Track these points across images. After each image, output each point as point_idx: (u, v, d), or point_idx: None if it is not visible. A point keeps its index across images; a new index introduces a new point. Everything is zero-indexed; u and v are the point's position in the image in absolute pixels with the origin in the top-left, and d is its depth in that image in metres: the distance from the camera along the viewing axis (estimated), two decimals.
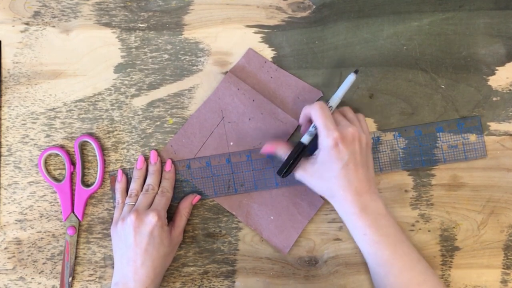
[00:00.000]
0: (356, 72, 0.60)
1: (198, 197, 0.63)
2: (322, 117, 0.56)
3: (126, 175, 0.63)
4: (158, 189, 0.61)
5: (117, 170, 0.63)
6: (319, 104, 0.57)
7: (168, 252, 0.59)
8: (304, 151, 0.58)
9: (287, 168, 0.58)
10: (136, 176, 0.62)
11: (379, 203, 0.57)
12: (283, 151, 0.59)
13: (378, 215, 0.56)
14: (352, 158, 0.55)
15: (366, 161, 0.57)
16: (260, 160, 0.63)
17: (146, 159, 0.63)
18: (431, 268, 0.58)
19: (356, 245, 0.63)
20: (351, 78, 0.60)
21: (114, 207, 0.63)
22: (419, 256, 0.57)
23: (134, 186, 0.62)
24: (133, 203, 0.60)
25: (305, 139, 0.58)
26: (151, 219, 0.57)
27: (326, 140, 0.55)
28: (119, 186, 0.62)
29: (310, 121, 0.60)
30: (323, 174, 0.57)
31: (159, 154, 0.63)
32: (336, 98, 0.60)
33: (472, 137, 0.64)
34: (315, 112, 0.57)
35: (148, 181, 0.62)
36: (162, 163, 0.63)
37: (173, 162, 0.63)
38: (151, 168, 0.62)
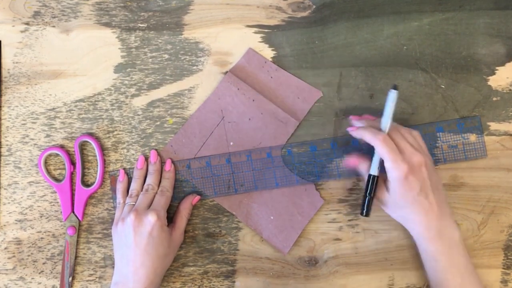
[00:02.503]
0: (395, 88, 0.57)
1: (198, 197, 0.63)
2: (387, 151, 0.55)
3: (127, 175, 0.63)
4: (158, 189, 0.61)
5: (118, 170, 0.63)
6: (382, 138, 0.56)
7: (168, 253, 0.59)
8: (377, 182, 0.58)
9: (368, 206, 0.58)
10: (137, 176, 0.62)
11: (454, 230, 0.57)
12: (364, 168, 0.59)
13: (451, 243, 0.56)
14: (423, 186, 0.55)
15: (436, 184, 0.57)
16: (260, 160, 0.63)
17: (147, 159, 0.63)
18: None
19: (356, 245, 0.63)
20: (393, 95, 0.57)
21: (114, 207, 0.63)
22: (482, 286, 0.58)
23: (134, 186, 0.62)
24: (133, 203, 0.60)
25: (374, 170, 0.58)
26: (150, 219, 0.57)
27: (395, 173, 0.55)
28: (120, 186, 0.62)
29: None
30: (397, 203, 0.57)
31: (159, 154, 0.63)
32: (386, 123, 0.58)
33: (472, 137, 0.64)
34: (380, 147, 0.56)
35: (148, 180, 0.62)
36: (162, 163, 0.63)
37: (173, 162, 0.63)
38: (151, 168, 0.62)
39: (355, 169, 0.61)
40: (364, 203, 0.58)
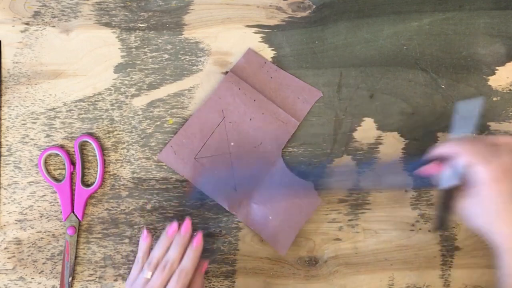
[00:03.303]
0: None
1: (206, 264, 0.58)
2: (476, 150, 0.52)
3: (152, 235, 0.59)
4: (178, 265, 0.55)
5: (143, 230, 0.58)
6: (468, 140, 0.54)
7: None
8: (452, 197, 0.54)
9: (443, 222, 0.56)
10: (162, 243, 0.56)
11: None
12: (446, 175, 0.55)
13: None
14: None
15: None
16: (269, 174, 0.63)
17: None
18: None
19: (356, 245, 0.63)
20: (479, 103, 0.56)
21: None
22: None
23: (156, 253, 0.56)
24: (149, 277, 0.55)
25: (449, 182, 0.54)
26: None
27: (484, 173, 0.51)
28: (144, 245, 0.57)
29: (439, 160, 0.55)
30: (482, 209, 0.52)
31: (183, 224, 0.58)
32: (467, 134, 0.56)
33: None
34: (467, 148, 0.52)
35: (170, 252, 0.55)
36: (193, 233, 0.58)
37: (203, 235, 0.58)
38: (179, 239, 0.56)
39: (431, 176, 0.57)
40: (439, 217, 0.56)
